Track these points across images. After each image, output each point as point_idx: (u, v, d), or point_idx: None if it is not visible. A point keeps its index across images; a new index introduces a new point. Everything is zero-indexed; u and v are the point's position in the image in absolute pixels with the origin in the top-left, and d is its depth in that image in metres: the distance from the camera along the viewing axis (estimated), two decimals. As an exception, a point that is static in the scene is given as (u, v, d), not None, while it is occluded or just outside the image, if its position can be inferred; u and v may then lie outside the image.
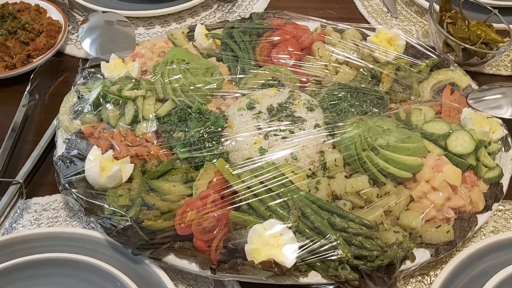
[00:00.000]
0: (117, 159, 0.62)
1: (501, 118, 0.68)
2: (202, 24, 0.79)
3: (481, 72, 0.84)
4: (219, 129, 0.63)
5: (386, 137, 0.60)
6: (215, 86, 0.70)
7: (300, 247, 0.52)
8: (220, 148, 0.62)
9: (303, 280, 0.53)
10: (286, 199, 0.56)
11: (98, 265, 0.54)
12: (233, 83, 0.72)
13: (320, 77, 0.72)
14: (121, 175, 0.60)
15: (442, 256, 0.57)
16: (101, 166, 0.59)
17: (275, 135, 0.62)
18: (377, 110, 0.65)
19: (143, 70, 0.73)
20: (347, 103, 0.65)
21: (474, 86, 0.74)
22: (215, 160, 0.60)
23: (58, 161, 0.62)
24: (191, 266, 0.55)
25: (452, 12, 0.81)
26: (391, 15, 0.93)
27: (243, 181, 0.57)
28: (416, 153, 0.60)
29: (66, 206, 0.65)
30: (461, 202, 0.59)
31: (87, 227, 0.62)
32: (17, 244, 0.58)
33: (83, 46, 0.79)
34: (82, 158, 0.62)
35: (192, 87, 0.68)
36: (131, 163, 0.62)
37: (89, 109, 0.67)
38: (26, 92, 0.76)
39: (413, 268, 0.56)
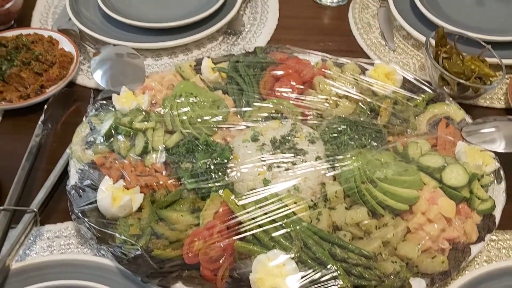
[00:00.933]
0: (128, 189, 0.65)
1: (494, 152, 0.72)
2: (208, 57, 0.83)
3: (475, 105, 0.87)
4: (225, 160, 0.66)
5: (384, 170, 0.63)
6: (221, 119, 0.73)
7: (302, 277, 0.55)
8: (226, 179, 0.65)
9: (305, 309, 0.55)
10: (289, 230, 0.58)
11: (109, 292, 0.57)
12: (238, 115, 0.75)
13: (321, 110, 0.75)
14: (131, 205, 0.63)
15: (437, 285, 0.60)
16: (112, 196, 0.62)
17: (278, 166, 0.65)
18: (375, 144, 0.68)
19: (153, 102, 0.77)
20: (347, 137, 0.69)
21: (468, 119, 0.78)
22: (221, 191, 0.63)
23: (71, 190, 0.66)
24: (198, 294, 0.57)
25: (447, 47, 0.85)
26: (389, 48, 0.97)
27: (247, 212, 0.60)
28: (413, 186, 0.64)
29: (78, 233, 0.68)
30: (455, 234, 0.62)
31: (98, 254, 0.65)
32: (31, 271, 0.61)
33: (94, 77, 0.83)
34: (95, 188, 0.65)
35: (199, 119, 0.72)
36: (141, 192, 0.65)
37: (101, 140, 0.70)
38: (39, 122, 0.79)
39: (410, 297, 0.59)
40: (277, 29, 1.02)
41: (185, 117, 0.72)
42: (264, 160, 0.66)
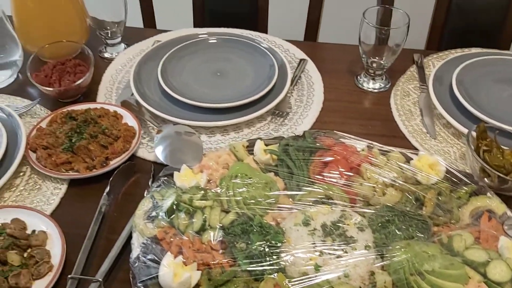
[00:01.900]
0: (186, 265, 0.70)
1: (537, 248, 0.74)
2: (260, 139, 0.89)
3: (516, 197, 0.90)
4: (279, 243, 0.70)
5: (431, 263, 0.66)
6: (273, 200, 0.78)
7: None
8: (279, 262, 0.69)
9: None
10: (340, 317, 0.61)
11: None
12: (289, 198, 0.80)
13: (368, 198, 0.79)
14: (190, 282, 0.67)
15: None
16: (174, 273, 0.67)
17: (329, 253, 0.69)
18: (422, 235, 0.72)
19: (210, 181, 0.82)
20: (395, 227, 0.72)
21: (510, 213, 0.80)
22: (275, 274, 0.67)
23: (134, 263, 0.70)
24: None
25: (487, 140, 0.90)
26: (430, 136, 1.01)
27: (300, 298, 0.64)
28: (459, 280, 0.66)
29: (136, 305, 0.72)
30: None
31: (154, 326, 0.68)
32: None
33: (156, 154, 0.90)
34: (156, 261, 0.69)
35: (253, 200, 0.77)
36: (198, 269, 0.70)
37: (163, 216, 0.76)
38: (104, 194, 0.86)
39: None
40: (322, 111, 1.08)
41: (240, 198, 0.77)
42: (316, 245, 0.70)
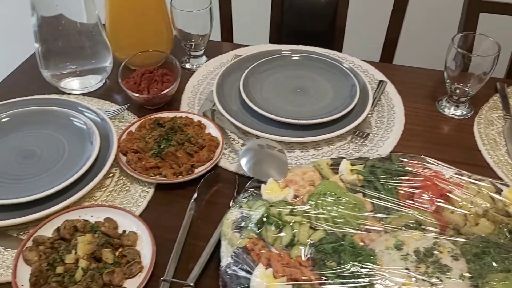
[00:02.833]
0: (275, 278, 0.70)
1: None
2: (347, 159, 0.89)
3: None
4: (371, 265, 0.70)
5: (532, 299, 0.64)
6: (361, 221, 0.78)
7: None
8: (372, 284, 0.68)
9: None
10: None
11: None
12: (378, 220, 0.79)
13: (460, 226, 0.78)
14: (282, 295, 0.68)
15: None
16: (266, 285, 0.67)
17: (423, 280, 0.68)
18: (519, 269, 0.70)
19: (296, 196, 0.83)
20: (491, 258, 0.70)
21: None
22: (368, 296, 0.66)
23: (225, 271, 0.72)
24: None
25: None
26: (517, 167, 0.98)
27: (395, 322, 0.63)
28: None
29: (223, 312, 0.73)
30: None
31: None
32: None
33: (241, 164, 0.92)
34: (248, 272, 0.70)
35: (342, 220, 0.77)
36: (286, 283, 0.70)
37: (253, 227, 0.77)
38: (192, 200, 0.88)
39: None
40: (403, 134, 1.07)
41: (329, 216, 0.77)
42: (409, 271, 0.69)
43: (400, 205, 0.80)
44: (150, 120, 1.03)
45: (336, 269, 0.70)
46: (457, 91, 1.11)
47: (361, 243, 0.75)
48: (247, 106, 1.08)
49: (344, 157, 0.91)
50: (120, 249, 0.80)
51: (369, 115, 1.10)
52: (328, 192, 0.80)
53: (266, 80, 1.15)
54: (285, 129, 1.04)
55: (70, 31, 1.08)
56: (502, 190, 0.85)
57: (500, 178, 0.96)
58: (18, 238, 0.83)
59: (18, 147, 0.95)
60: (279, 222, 0.77)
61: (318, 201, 0.79)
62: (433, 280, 0.68)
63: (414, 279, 0.68)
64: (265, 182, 0.84)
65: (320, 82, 1.15)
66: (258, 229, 0.76)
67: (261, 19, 1.54)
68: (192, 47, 1.24)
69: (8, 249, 0.81)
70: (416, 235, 0.74)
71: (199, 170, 0.94)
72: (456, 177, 0.86)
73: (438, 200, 0.80)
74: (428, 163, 0.90)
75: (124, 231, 0.82)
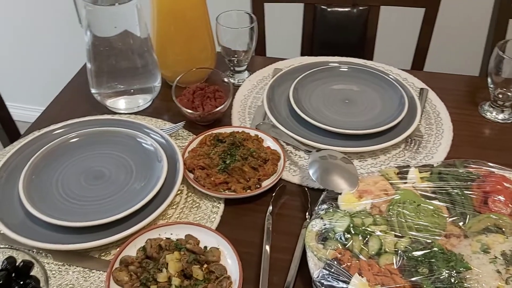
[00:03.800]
0: (370, 287, 0.72)
1: None
2: (415, 167, 0.91)
3: None
4: (464, 270, 0.72)
5: None
6: (442, 227, 0.80)
7: None
8: (463, 287, 0.71)
9: None
10: None
11: None
12: (456, 226, 0.82)
13: (535, 227, 0.81)
14: (383, 304, 0.69)
15: None
16: (367, 294, 0.69)
17: (516, 281, 0.71)
18: None
19: (373, 205, 0.85)
20: None
21: None
22: (466, 300, 0.68)
23: (319, 282, 0.73)
24: None
25: None
26: None
27: (499, 324, 0.65)
28: None
29: (317, 323, 0.74)
30: None
31: None
32: None
33: (311, 175, 0.93)
34: (343, 281, 0.72)
35: (424, 226, 0.79)
36: (380, 292, 0.72)
37: (339, 238, 0.79)
38: (268, 213, 0.90)
39: None
40: (454, 139, 1.10)
41: (412, 223, 0.79)
42: (500, 273, 0.71)
43: (476, 210, 0.83)
44: (210, 136, 1.04)
45: (430, 275, 0.72)
46: (500, 95, 1.15)
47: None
48: (298, 117, 1.10)
49: (408, 165, 0.94)
50: (205, 265, 0.81)
51: (418, 123, 1.13)
52: (408, 200, 0.82)
53: (315, 91, 1.18)
54: (339, 140, 1.06)
55: (124, 50, 1.09)
56: None
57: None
58: (101, 259, 0.84)
59: (87, 168, 0.96)
60: (365, 232, 0.79)
61: (399, 209, 0.81)
62: (526, 281, 0.70)
63: (505, 281, 0.71)
64: (335, 193, 0.86)
65: (367, 93, 1.18)
66: (346, 240, 0.78)
67: (293, 32, 1.56)
68: (236, 63, 1.26)
69: (93, 271, 0.82)
70: (500, 238, 0.77)
71: (266, 184, 0.96)
72: (522, 180, 0.89)
73: (511, 202, 0.83)
74: (491, 167, 0.93)
75: (206, 247, 0.83)
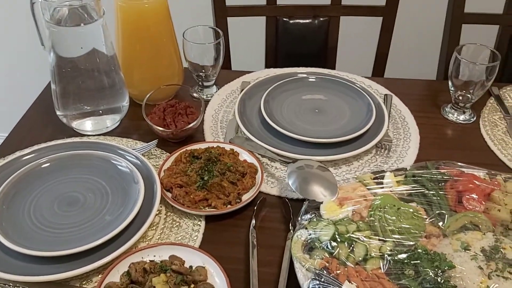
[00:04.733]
0: (359, 293, 0.73)
1: None
2: (390, 171, 0.94)
3: None
4: (448, 268, 0.74)
5: None
6: (422, 228, 0.82)
7: None
8: (450, 285, 0.73)
9: None
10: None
11: None
12: (435, 226, 0.84)
13: (508, 222, 0.84)
14: (375, 309, 0.70)
15: None
16: (360, 300, 0.70)
17: (497, 275, 0.73)
18: None
19: (355, 212, 0.87)
20: (549, 248, 0.77)
21: None
22: (454, 298, 0.70)
23: (311, 293, 0.74)
24: None
25: None
26: (530, 163, 1.08)
27: (486, 318, 0.67)
28: None
29: (310, 333, 0.75)
30: None
31: None
32: None
33: (291, 186, 0.94)
34: (332, 291, 0.73)
35: (406, 229, 0.81)
36: (371, 296, 0.73)
37: (325, 247, 0.79)
38: (252, 227, 0.89)
39: None
40: (421, 142, 1.14)
41: (394, 227, 0.81)
42: (482, 269, 0.74)
43: (452, 209, 0.86)
44: (185, 153, 1.03)
45: (416, 277, 0.74)
46: (461, 97, 1.20)
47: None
48: (271, 128, 1.11)
49: (383, 170, 0.96)
50: (193, 285, 0.79)
51: (387, 129, 1.17)
52: (388, 204, 0.84)
53: (285, 102, 1.19)
54: (313, 149, 1.07)
55: (90, 70, 1.06)
56: (532, 185, 0.92)
57: (517, 175, 1.04)
58: (83, 288, 0.81)
59: (60, 194, 0.92)
60: (350, 239, 0.80)
61: (380, 213, 0.83)
62: (506, 274, 0.73)
63: (486, 276, 0.73)
64: (317, 202, 0.87)
65: (336, 102, 1.20)
66: (332, 248, 0.79)
67: (257, 45, 1.58)
68: (204, 78, 1.26)
69: (75, 301, 0.79)
70: (478, 235, 0.80)
71: (247, 197, 0.95)
72: (490, 177, 0.94)
73: (483, 201, 0.87)
74: (461, 167, 0.97)
75: (191, 266, 0.82)
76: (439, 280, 0.72)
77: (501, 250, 0.77)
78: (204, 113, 1.20)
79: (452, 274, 0.74)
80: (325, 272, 0.76)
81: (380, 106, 1.18)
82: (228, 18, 1.48)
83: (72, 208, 0.91)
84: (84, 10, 1.01)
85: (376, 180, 0.94)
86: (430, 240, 0.82)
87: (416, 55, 1.97)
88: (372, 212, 0.84)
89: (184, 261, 0.82)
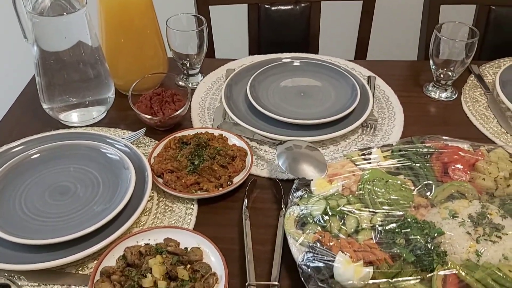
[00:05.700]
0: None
1: None
2: (378, 148, 0.96)
3: None
4: (438, 235, 0.76)
5: None
6: (410, 199, 0.84)
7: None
8: (439, 251, 0.75)
9: None
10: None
11: None
12: (423, 196, 0.86)
13: (493, 190, 0.87)
14: (369, 276, 0.72)
15: None
16: (355, 270, 0.72)
17: (485, 239, 0.76)
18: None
19: (345, 187, 0.88)
20: (533, 211, 0.80)
21: None
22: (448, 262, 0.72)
23: (305, 265, 0.75)
24: None
25: None
26: (511, 135, 1.11)
27: (476, 279, 0.70)
28: None
29: (308, 305, 0.76)
30: None
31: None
32: None
33: (280, 165, 0.95)
34: (327, 262, 0.74)
35: (395, 200, 0.83)
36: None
37: (317, 221, 0.81)
38: (244, 207, 0.91)
39: None
40: (405, 120, 1.17)
41: (383, 199, 0.83)
42: (470, 234, 0.77)
43: (439, 180, 0.88)
44: (174, 139, 1.03)
45: (407, 245, 0.76)
46: (442, 75, 1.23)
47: (416, 219, 0.82)
48: (258, 112, 1.12)
49: (370, 147, 0.98)
50: (189, 266, 0.80)
51: (372, 108, 1.19)
52: (377, 178, 0.86)
53: (271, 86, 1.20)
54: (300, 131, 1.09)
55: (75, 62, 1.06)
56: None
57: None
58: (79, 275, 0.81)
59: (51, 184, 0.92)
60: (341, 212, 0.81)
61: (369, 187, 0.85)
62: (493, 238, 0.76)
63: (475, 241, 0.76)
64: (307, 180, 0.89)
65: (321, 84, 1.22)
66: (324, 222, 0.81)
67: (239, 32, 1.59)
68: (189, 66, 1.26)
69: (72, 287, 0.79)
70: (465, 203, 0.82)
71: (238, 180, 0.96)
72: (473, 148, 0.96)
73: (468, 171, 0.89)
74: (445, 140, 0.99)
75: (186, 248, 0.83)
76: (429, 246, 0.74)
77: (488, 216, 0.79)
78: (191, 100, 1.20)
79: (442, 240, 0.76)
80: (318, 244, 0.77)
81: (364, 87, 1.20)
82: (210, 6, 1.49)
83: (64, 197, 0.91)
84: (66, 0, 1.01)
85: (363, 157, 0.96)
86: (419, 210, 0.84)
87: (397, 37, 1.99)
88: (361, 186, 0.86)
89: (179, 243, 0.83)
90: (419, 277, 0.72)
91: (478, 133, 1.13)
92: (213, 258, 0.81)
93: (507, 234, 0.76)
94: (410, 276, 0.73)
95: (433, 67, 1.23)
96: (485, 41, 1.52)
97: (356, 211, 0.82)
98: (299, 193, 0.87)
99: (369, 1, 1.51)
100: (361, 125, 1.13)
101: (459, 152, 0.92)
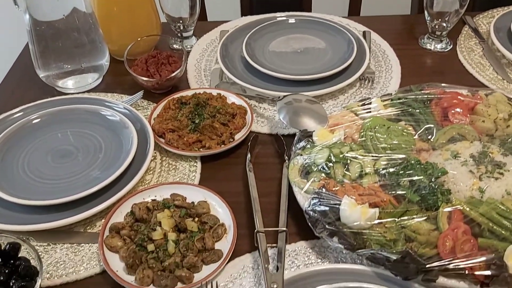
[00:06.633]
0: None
1: None
2: (378, 97, 0.96)
3: None
4: (441, 174, 0.77)
5: None
6: (412, 143, 0.85)
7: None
8: (444, 189, 0.76)
9: None
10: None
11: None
12: (424, 141, 0.87)
13: (492, 131, 0.88)
14: (375, 217, 0.73)
15: None
16: (361, 211, 0.73)
17: (487, 177, 0.77)
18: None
19: (347, 136, 0.89)
20: (533, 148, 0.81)
21: None
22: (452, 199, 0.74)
23: (312, 211, 0.76)
24: (460, 285, 0.67)
25: None
26: (507, 82, 1.11)
27: (481, 214, 0.71)
28: None
29: (314, 249, 0.78)
30: None
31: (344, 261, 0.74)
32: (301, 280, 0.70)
33: (280, 118, 0.95)
34: (333, 206, 0.75)
35: (397, 145, 0.84)
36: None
37: (321, 169, 0.82)
38: (248, 161, 0.91)
39: None
40: (402, 72, 1.17)
41: (385, 144, 0.84)
42: (473, 172, 0.78)
43: (439, 124, 0.89)
44: (173, 100, 1.03)
45: (411, 186, 0.77)
46: (437, 27, 1.23)
47: (420, 162, 0.83)
48: (255, 70, 1.11)
49: (369, 97, 0.98)
50: (197, 218, 0.81)
51: (368, 62, 1.18)
52: (378, 125, 0.86)
53: (267, 44, 1.20)
54: (299, 87, 1.09)
55: (69, 28, 1.04)
56: (510, 97, 0.96)
57: (497, 93, 1.08)
58: (87, 233, 0.82)
59: (52, 148, 0.92)
60: (345, 158, 0.82)
61: (371, 133, 0.85)
62: (495, 175, 0.77)
63: (478, 178, 0.77)
64: (309, 131, 0.89)
65: (317, 41, 1.21)
66: (328, 169, 0.81)
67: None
68: (182, 29, 1.25)
69: (82, 244, 0.80)
70: (466, 144, 0.83)
71: (239, 136, 0.97)
72: (472, 93, 0.97)
73: (468, 114, 0.90)
74: (443, 87, 0.99)
75: (193, 202, 0.83)
76: (433, 186, 0.76)
77: (489, 154, 0.80)
78: (187, 62, 1.19)
79: (445, 180, 0.78)
80: (324, 190, 0.78)
81: (360, 41, 1.20)
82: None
83: (67, 159, 0.91)
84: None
85: (363, 107, 0.96)
86: (421, 154, 0.85)
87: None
88: (363, 133, 0.86)
89: (185, 197, 0.84)
90: (424, 215, 0.73)
91: (474, 81, 1.14)
92: (221, 210, 0.82)
93: (509, 171, 0.77)
94: (416, 215, 0.74)
95: (428, 18, 1.22)
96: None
97: (360, 157, 0.83)
98: (302, 143, 0.88)
99: (361, -43, 1.49)
100: (358, 78, 1.13)
101: (458, 97, 0.93)
